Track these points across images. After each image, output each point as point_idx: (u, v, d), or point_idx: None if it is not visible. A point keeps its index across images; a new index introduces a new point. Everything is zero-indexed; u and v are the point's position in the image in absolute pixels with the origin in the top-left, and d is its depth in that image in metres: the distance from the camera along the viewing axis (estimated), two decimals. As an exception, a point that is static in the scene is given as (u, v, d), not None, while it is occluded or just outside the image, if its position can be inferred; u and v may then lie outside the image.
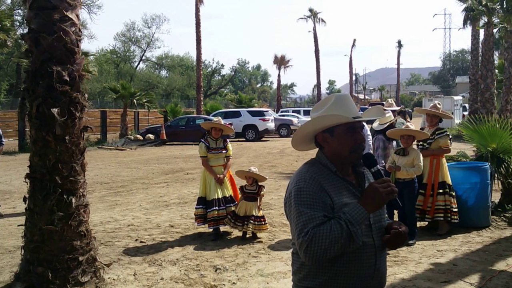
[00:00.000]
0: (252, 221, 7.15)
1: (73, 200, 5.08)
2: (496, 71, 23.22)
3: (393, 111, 8.30)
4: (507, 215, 8.20)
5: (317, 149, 2.41)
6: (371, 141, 7.76)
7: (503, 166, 8.44)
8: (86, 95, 5.21)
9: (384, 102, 19.11)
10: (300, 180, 2.25)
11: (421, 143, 7.32)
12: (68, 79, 4.95)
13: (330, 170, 2.29)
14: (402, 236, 2.22)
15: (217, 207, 7.23)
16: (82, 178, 5.24)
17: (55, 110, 4.83)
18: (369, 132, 7.80)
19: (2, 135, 9.78)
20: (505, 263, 6.00)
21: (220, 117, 8.44)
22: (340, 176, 2.28)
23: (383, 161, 7.48)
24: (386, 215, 2.41)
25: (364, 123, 7.94)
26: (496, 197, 8.85)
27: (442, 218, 7.23)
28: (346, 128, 2.28)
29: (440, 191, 7.23)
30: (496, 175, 8.57)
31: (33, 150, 5.09)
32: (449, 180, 7.31)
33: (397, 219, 7.19)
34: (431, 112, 7.39)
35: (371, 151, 7.66)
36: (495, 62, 26.22)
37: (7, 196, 11.51)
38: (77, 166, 5.15)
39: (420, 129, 7.71)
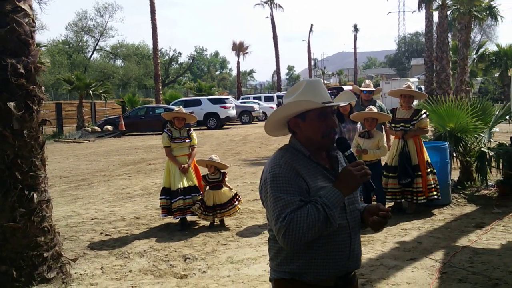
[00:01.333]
0: (224, 209, 7.14)
1: (35, 195, 4.93)
2: (450, 52, 23.84)
3: (370, 93, 8.34)
4: (467, 192, 8.47)
5: (290, 134, 2.41)
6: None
7: (461, 144, 8.70)
8: (43, 88, 5.04)
9: (343, 87, 19.30)
10: (275, 166, 2.24)
11: (402, 124, 7.36)
12: (23, 71, 4.77)
13: (304, 155, 2.30)
14: (386, 220, 2.27)
15: (182, 196, 7.16)
16: (43, 172, 5.09)
17: (11, 104, 4.65)
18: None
19: None
20: (467, 239, 6.19)
21: (181, 106, 8.32)
22: (314, 161, 2.29)
23: None
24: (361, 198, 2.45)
25: None
26: (455, 175, 9.11)
27: (435, 197, 7.40)
28: (317, 113, 2.29)
29: (428, 170, 7.41)
30: (454, 154, 8.83)
31: (-10, 145, 4.89)
32: (429, 159, 7.49)
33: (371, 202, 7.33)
34: (407, 93, 7.47)
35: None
36: (450, 43, 26.91)
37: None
38: (37, 160, 5.00)
39: (391, 110, 7.76)
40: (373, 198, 7.35)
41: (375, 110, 7.10)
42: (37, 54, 4.97)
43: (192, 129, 7.71)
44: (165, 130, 7.53)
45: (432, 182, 7.39)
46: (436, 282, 4.85)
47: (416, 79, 41.30)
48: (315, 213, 2.09)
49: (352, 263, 2.31)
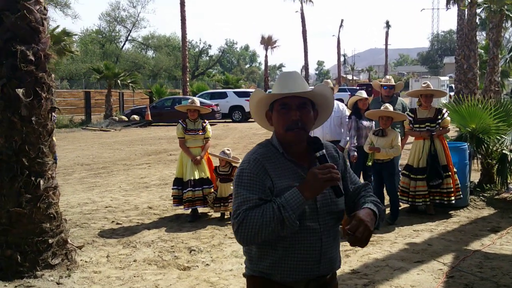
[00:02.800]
0: (230, 201, 7.12)
1: (41, 182, 4.97)
2: (482, 51, 23.19)
3: (390, 88, 8.10)
4: (486, 195, 8.25)
5: None
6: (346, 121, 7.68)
7: (483, 146, 8.46)
8: (52, 75, 5.07)
9: (371, 83, 18.99)
10: (244, 161, 2.21)
11: (427, 124, 7.20)
12: (33, 58, 4.81)
13: (278, 151, 2.23)
14: (358, 240, 2.04)
15: (192, 188, 7.17)
16: (50, 160, 5.13)
17: (20, 91, 4.70)
18: (346, 113, 7.73)
19: None
20: (480, 243, 6.02)
21: (195, 98, 8.30)
22: (288, 158, 2.21)
23: (355, 141, 7.44)
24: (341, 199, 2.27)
25: (341, 104, 7.88)
26: (475, 177, 8.88)
27: (461, 197, 7.27)
28: (279, 104, 2.22)
29: (455, 170, 7.28)
30: (479, 156, 8.60)
31: (-1, 131, 4.96)
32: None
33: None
34: (427, 92, 7.29)
35: (346, 131, 7.60)
36: (482, 42, 26.21)
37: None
38: (45, 147, 5.04)
39: (411, 110, 7.60)
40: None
41: (390, 108, 6.94)
42: (47, 42, 5.01)
43: (207, 121, 7.70)
44: (179, 121, 7.55)
45: (458, 182, 7.25)
46: (441, 286, 4.72)
47: (448, 78, 40.47)
48: (270, 213, 2.02)
49: (324, 267, 2.20)
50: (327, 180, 2.02)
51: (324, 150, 2.15)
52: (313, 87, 2.29)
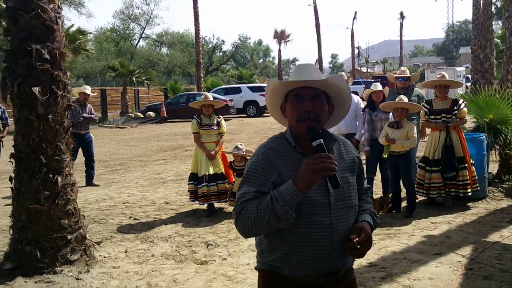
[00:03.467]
0: None
1: (59, 179, 5.03)
2: (498, 40, 22.81)
3: (405, 80, 8.02)
4: (505, 186, 8.14)
5: None
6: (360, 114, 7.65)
7: (501, 137, 8.34)
8: (68, 73, 5.12)
9: (386, 75, 18.85)
10: (253, 154, 2.24)
11: (443, 115, 7.12)
12: (48, 57, 4.86)
13: (290, 144, 2.20)
14: (360, 252, 2.09)
15: (207, 183, 7.21)
16: (67, 157, 5.19)
17: (36, 89, 4.75)
18: (361, 106, 7.68)
19: (7, 116, 9.73)
20: (499, 234, 5.95)
21: (208, 94, 8.30)
22: (300, 152, 2.18)
23: (368, 135, 7.41)
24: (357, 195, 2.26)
25: (356, 97, 7.83)
26: (494, 168, 8.77)
27: (478, 189, 7.20)
28: (292, 95, 2.20)
29: (472, 162, 7.21)
30: (497, 147, 8.49)
31: (17, 129, 5.03)
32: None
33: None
34: (443, 83, 7.21)
35: (361, 124, 7.57)
36: (498, 32, 25.78)
37: (4, 175, 11.50)
38: (62, 145, 5.09)
39: (427, 101, 7.51)
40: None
41: (405, 100, 6.87)
42: (62, 40, 5.05)
43: (221, 116, 7.71)
44: (194, 116, 7.57)
45: (475, 174, 7.16)
46: (460, 278, 4.68)
47: (464, 68, 39.92)
48: (265, 205, 2.01)
49: (334, 263, 2.16)
50: (319, 170, 1.93)
51: (321, 140, 2.05)
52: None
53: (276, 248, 2.17)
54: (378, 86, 7.62)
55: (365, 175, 6.81)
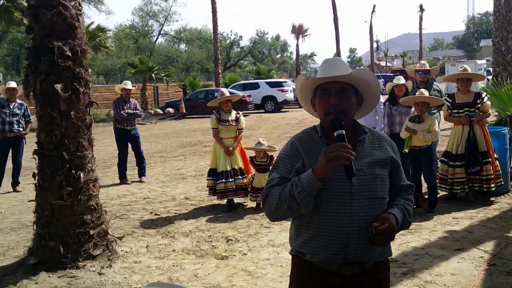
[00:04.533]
0: None
1: (82, 175, 5.10)
2: (521, 32, 22.37)
3: (425, 73, 7.92)
4: (528, 180, 8.00)
5: None
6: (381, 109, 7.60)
7: (524, 130, 8.20)
8: (89, 70, 5.18)
9: (405, 69, 18.65)
10: (285, 144, 2.37)
11: (466, 109, 7.02)
12: (70, 54, 4.91)
13: (318, 134, 2.30)
14: (378, 237, 2.11)
15: (224, 180, 7.24)
16: (90, 153, 5.25)
17: (58, 86, 4.81)
18: (381, 100, 7.62)
19: (30, 113, 9.88)
20: (522, 229, 5.87)
21: (223, 90, 8.28)
22: (326, 142, 2.24)
23: (387, 129, 7.36)
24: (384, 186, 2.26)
25: None
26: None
27: (502, 183, 7.13)
28: (320, 90, 2.28)
29: (496, 156, 7.13)
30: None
31: (40, 126, 5.11)
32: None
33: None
34: (465, 76, 7.09)
35: (381, 118, 7.52)
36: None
37: (27, 172, 11.69)
38: (84, 141, 5.16)
39: (449, 95, 7.40)
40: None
41: (426, 94, 6.79)
42: (83, 37, 5.10)
43: (240, 112, 7.72)
44: (214, 112, 7.60)
45: (498, 168, 7.06)
46: (483, 274, 4.62)
47: (485, 61, 39.32)
48: (286, 191, 2.12)
49: (353, 253, 2.16)
50: (334, 158, 2.01)
51: (343, 131, 2.11)
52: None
53: (300, 233, 2.28)
54: (401, 80, 7.56)
55: None
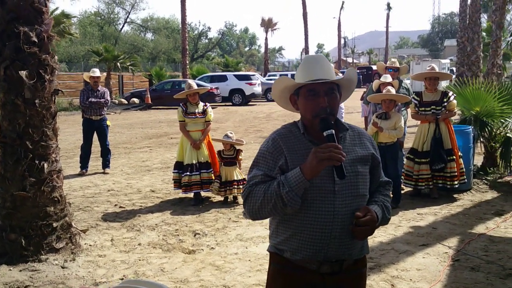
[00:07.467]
0: (235, 186, 7.11)
1: (45, 165, 4.94)
2: (484, 33, 23.00)
3: (395, 71, 7.99)
4: (489, 178, 8.23)
5: None
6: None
7: (487, 129, 8.42)
8: (56, 57, 5.00)
9: (372, 66, 18.90)
10: (265, 140, 2.30)
11: (432, 107, 7.13)
12: (36, 40, 4.74)
13: (300, 131, 2.24)
14: (362, 228, 2.11)
15: (189, 173, 7.16)
16: (54, 143, 5.09)
17: (23, 73, 4.64)
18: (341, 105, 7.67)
19: None
20: (484, 226, 6.02)
21: (191, 82, 8.04)
22: (308, 139, 2.20)
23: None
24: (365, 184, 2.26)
25: None
26: (478, 160, 8.85)
27: (465, 181, 7.26)
28: (306, 90, 2.20)
29: (460, 154, 7.25)
30: (481, 139, 8.57)
31: (3, 114, 4.91)
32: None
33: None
34: (432, 75, 7.21)
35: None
36: (484, 25, 25.97)
37: None
38: (49, 130, 4.99)
39: (417, 93, 7.49)
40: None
41: (393, 91, 6.87)
42: (50, 23, 4.93)
43: (208, 104, 7.62)
44: (180, 104, 7.49)
45: (462, 166, 7.22)
46: (447, 269, 4.72)
47: (449, 61, 40.25)
48: (272, 190, 2.07)
49: (335, 251, 2.16)
50: (325, 159, 1.98)
51: (333, 130, 2.09)
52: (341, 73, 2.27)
53: (280, 231, 2.24)
54: (387, 78, 7.61)
55: None
